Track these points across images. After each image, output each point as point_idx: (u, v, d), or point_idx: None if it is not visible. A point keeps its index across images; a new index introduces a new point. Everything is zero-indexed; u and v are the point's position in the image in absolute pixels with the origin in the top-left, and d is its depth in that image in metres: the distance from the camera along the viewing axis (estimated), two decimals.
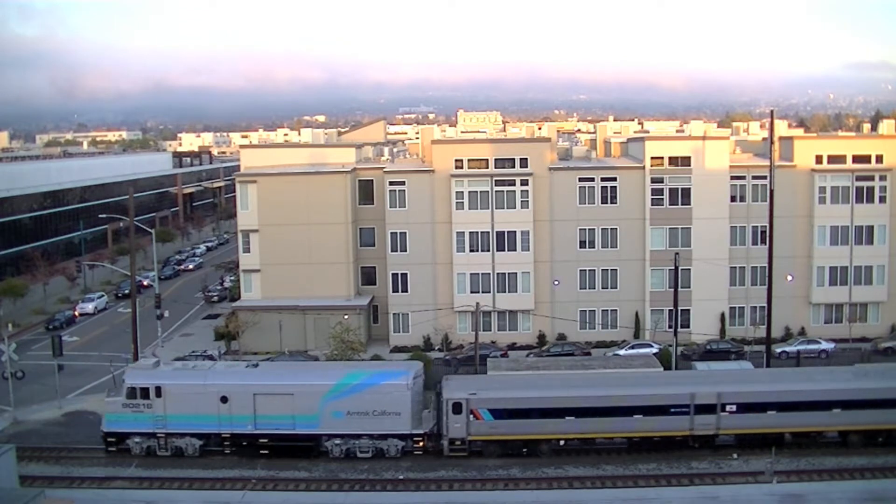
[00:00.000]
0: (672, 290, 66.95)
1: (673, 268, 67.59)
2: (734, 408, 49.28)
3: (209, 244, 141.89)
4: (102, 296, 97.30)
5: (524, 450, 50.08)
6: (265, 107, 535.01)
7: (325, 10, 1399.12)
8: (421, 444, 50.02)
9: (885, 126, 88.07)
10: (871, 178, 74.55)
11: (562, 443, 50.42)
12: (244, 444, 50.27)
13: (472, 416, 49.30)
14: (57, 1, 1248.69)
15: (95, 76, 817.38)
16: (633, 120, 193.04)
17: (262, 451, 50.08)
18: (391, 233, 74.96)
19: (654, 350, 67.77)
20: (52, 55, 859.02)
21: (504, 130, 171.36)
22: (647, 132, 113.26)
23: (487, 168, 74.50)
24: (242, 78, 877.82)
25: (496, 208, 73.89)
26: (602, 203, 74.76)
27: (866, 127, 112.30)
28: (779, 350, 68.99)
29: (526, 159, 74.52)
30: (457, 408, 49.30)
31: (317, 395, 49.65)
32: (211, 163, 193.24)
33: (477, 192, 73.91)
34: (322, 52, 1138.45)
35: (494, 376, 54.94)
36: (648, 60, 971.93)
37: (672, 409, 49.33)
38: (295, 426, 49.86)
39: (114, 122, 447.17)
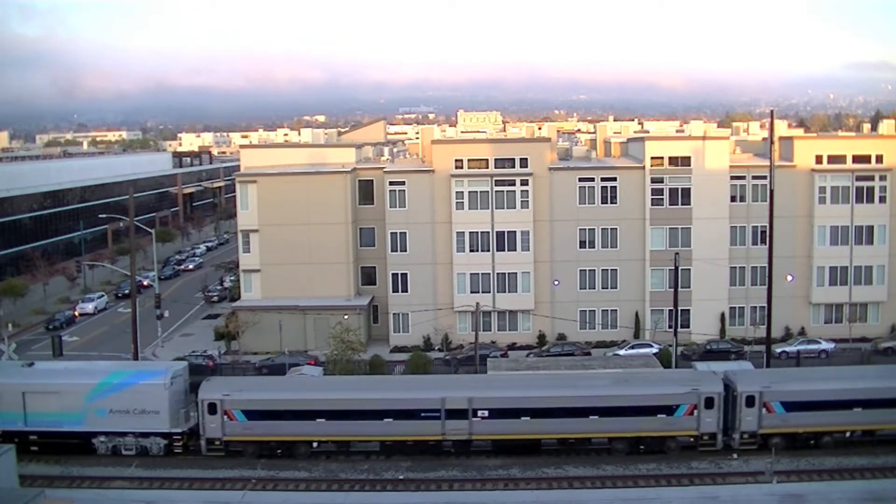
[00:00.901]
0: (672, 290, 66.98)
1: (673, 268, 67.61)
2: (486, 413, 49.45)
3: (209, 244, 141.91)
4: (102, 296, 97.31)
5: (278, 451, 50.54)
6: (265, 107, 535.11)
7: (326, 10, 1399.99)
8: (181, 442, 50.61)
9: (885, 126, 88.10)
10: (871, 178, 74.56)
11: (315, 445, 50.73)
12: (15, 440, 49.29)
13: (226, 416, 49.80)
14: (58, 1, 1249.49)
15: (96, 76, 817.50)
16: (633, 120, 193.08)
17: (31, 448, 50.41)
18: (391, 233, 74.97)
19: (654, 350, 67.80)
20: (52, 55, 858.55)
21: (504, 130, 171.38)
22: (647, 132, 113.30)
23: (487, 168, 74.51)
24: (243, 78, 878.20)
25: (496, 208, 73.90)
26: (602, 203, 74.77)
27: (866, 127, 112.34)
28: (779, 350, 69.00)
29: (526, 159, 74.54)
30: (212, 408, 49.80)
31: (80, 394, 50.53)
32: (211, 163, 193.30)
33: (477, 192, 73.92)
34: (322, 53, 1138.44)
35: (252, 379, 55.59)
36: (648, 60, 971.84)
37: (422, 414, 49.55)
38: (62, 424, 50.51)
39: (114, 122, 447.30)
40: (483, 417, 49.40)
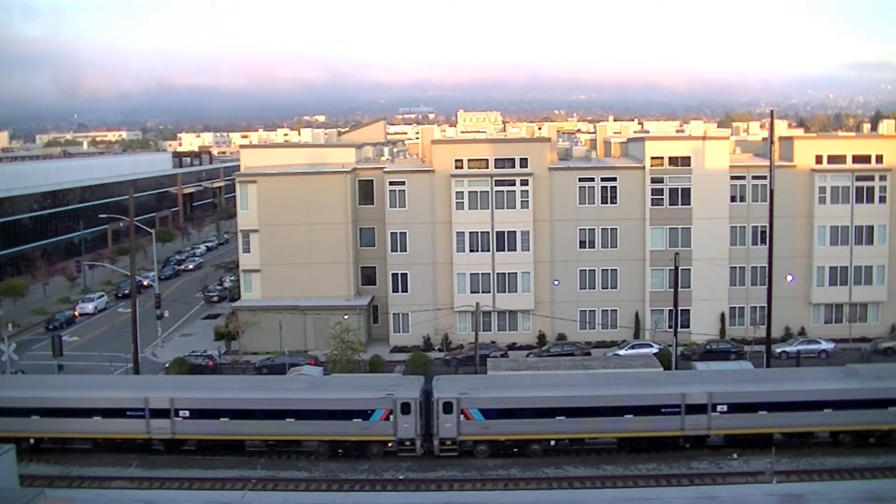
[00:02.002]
0: (672, 290, 66.97)
1: (673, 268, 67.60)
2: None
3: (209, 244, 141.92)
4: (102, 296, 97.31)
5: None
6: (266, 107, 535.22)
7: (327, 10, 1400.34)
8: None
9: (885, 126, 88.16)
10: (871, 178, 74.55)
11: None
12: None
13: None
14: (60, 1, 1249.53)
15: (97, 76, 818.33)
16: (633, 120, 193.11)
17: None
18: (391, 233, 74.97)
19: (654, 350, 67.79)
20: (54, 55, 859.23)
21: (504, 130, 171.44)
22: (647, 132, 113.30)
23: (487, 168, 74.50)
24: (244, 78, 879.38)
25: (496, 208, 73.90)
26: (602, 203, 74.76)
27: (866, 127, 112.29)
28: (779, 350, 68.99)
29: (526, 159, 74.53)
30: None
31: None
32: (211, 163, 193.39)
33: (477, 192, 73.91)
34: (323, 52, 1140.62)
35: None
36: (649, 60, 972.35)
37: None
38: None
39: (114, 122, 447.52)
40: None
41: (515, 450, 49.87)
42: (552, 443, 50.26)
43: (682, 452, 49.86)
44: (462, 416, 49.33)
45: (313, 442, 50.71)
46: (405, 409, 49.38)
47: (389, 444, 49.84)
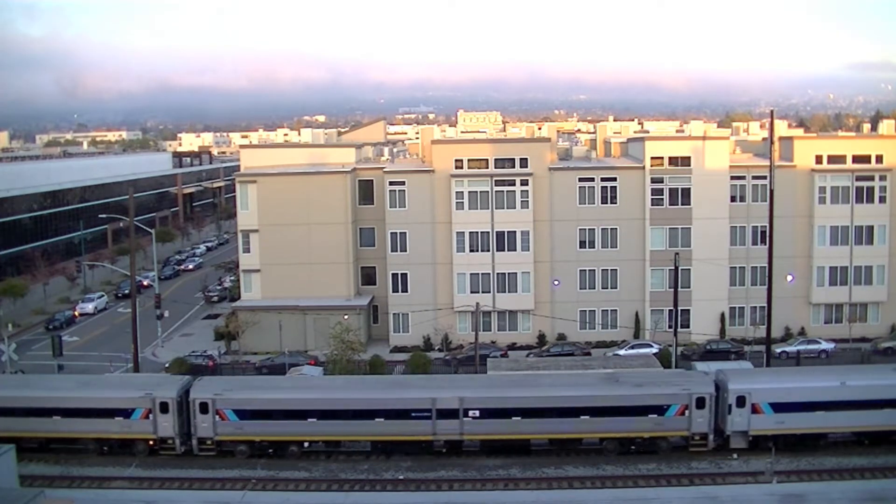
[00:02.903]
0: (672, 290, 66.97)
1: (673, 268, 67.60)
2: None
3: (209, 244, 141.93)
4: (102, 296, 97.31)
5: None
6: (266, 107, 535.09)
7: (329, 10, 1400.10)
8: None
9: (885, 126, 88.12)
10: (871, 178, 74.55)
11: None
12: None
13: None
14: (62, 1, 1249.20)
15: (98, 76, 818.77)
16: (633, 120, 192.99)
17: None
18: (391, 233, 74.96)
19: (654, 350, 67.78)
20: (56, 55, 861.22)
21: (504, 130, 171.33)
22: (647, 132, 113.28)
23: (487, 168, 74.50)
24: (245, 78, 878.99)
25: (496, 208, 73.89)
26: (602, 203, 74.75)
27: (866, 127, 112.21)
28: (779, 350, 69.00)
29: (526, 159, 74.53)
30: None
31: None
32: (211, 163, 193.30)
33: (477, 192, 73.91)
34: (325, 53, 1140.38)
35: None
36: (649, 60, 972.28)
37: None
38: None
39: (114, 122, 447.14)
40: None
41: (271, 451, 50.36)
42: (306, 444, 50.62)
43: (682, 452, 49.88)
44: (217, 417, 49.82)
45: (87, 440, 51.24)
46: (163, 408, 50.04)
47: (151, 443, 50.51)
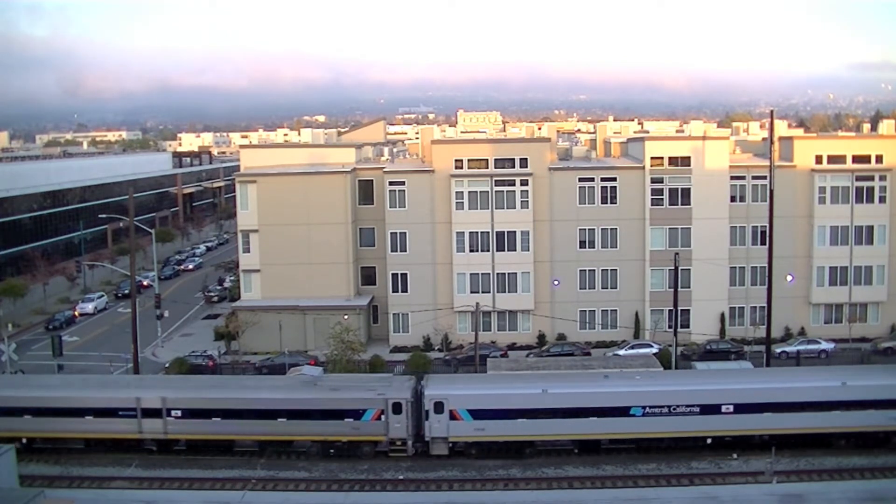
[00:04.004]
0: (672, 290, 66.96)
1: (673, 268, 67.59)
2: None
3: (209, 244, 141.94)
4: (102, 296, 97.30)
5: None
6: (266, 107, 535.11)
7: (329, 10, 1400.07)
8: None
9: (885, 126, 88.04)
10: (871, 178, 74.55)
11: None
12: None
13: None
14: (64, 2, 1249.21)
15: (100, 76, 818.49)
16: (632, 120, 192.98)
17: None
18: (391, 233, 74.96)
19: (654, 350, 67.78)
20: (57, 55, 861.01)
21: (504, 130, 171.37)
22: (647, 132, 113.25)
23: (487, 168, 74.49)
24: (246, 78, 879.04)
25: (496, 208, 73.89)
26: (602, 203, 74.75)
27: (866, 127, 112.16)
28: (779, 350, 69.00)
29: (526, 159, 74.52)
30: None
31: None
32: (211, 163, 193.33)
33: (477, 192, 73.90)
34: (326, 53, 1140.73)
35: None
36: (649, 60, 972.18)
37: None
38: None
39: (114, 122, 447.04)
40: None
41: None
42: (23, 440, 50.67)
43: (682, 452, 49.87)
44: None
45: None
46: None
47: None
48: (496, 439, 49.71)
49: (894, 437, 49.82)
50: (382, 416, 49.34)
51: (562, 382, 51.56)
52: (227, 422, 50.24)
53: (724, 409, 48.96)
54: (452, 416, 49.25)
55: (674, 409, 48.97)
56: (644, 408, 48.88)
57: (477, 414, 49.26)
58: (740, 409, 48.92)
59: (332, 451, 50.26)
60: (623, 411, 48.93)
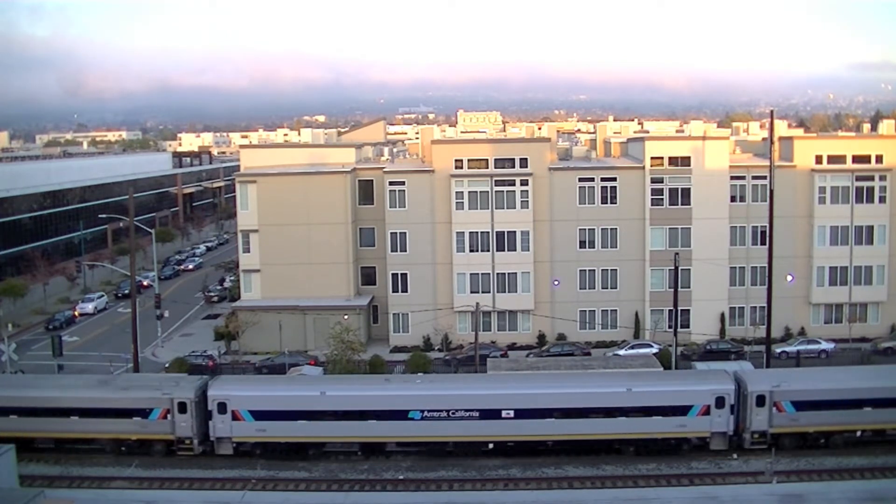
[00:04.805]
0: (672, 290, 66.94)
1: (673, 268, 67.58)
2: None
3: (209, 244, 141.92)
4: (102, 296, 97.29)
5: None
6: (266, 107, 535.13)
7: (330, 10, 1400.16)
8: None
9: (885, 126, 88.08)
10: (871, 178, 74.54)
11: None
12: None
13: None
14: (65, 2, 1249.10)
15: (100, 76, 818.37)
16: (632, 120, 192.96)
17: None
18: (391, 233, 74.96)
19: (654, 350, 67.78)
20: (58, 55, 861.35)
21: (504, 130, 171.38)
22: (647, 132, 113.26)
23: (487, 168, 74.50)
24: (247, 78, 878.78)
25: (496, 208, 73.89)
26: (602, 203, 74.74)
27: (866, 127, 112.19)
28: (779, 350, 68.98)
29: (526, 159, 74.52)
30: None
31: None
32: (211, 163, 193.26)
33: (477, 192, 73.91)
34: (326, 53, 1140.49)
35: None
36: (649, 60, 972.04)
37: None
38: None
39: (114, 122, 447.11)
40: None
41: None
42: None
43: (682, 452, 49.87)
44: None
45: None
46: None
47: None
48: (278, 440, 50.06)
49: (685, 444, 49.64)
50: (168, 416, 49.99)
51: (341, 385, 52.82)
52: (24, 420, 50.71)
53: (504, 414, 48.96)
54: (235, 417, 49.85)
55: (453, 413, 48.99)
56: (422, 411, 48.99)
57: (258, 415, 49.78)
58: (521, 414, 48.87)
59: (123, 448, 50.92)
60: (402, 414, 49.20)
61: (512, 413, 48.87)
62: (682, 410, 48.93)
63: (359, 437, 50.01)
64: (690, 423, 48.99)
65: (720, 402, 48.90)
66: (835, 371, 57.35)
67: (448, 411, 48.92)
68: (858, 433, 50.08)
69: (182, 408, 49.90)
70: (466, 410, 48.91)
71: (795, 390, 49.57)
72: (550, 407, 49.03)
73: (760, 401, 49.06)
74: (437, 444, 49.86)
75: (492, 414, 48.98)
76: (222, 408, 49.76)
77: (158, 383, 52.58)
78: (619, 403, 49.01)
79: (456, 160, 74.62)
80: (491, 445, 49.63)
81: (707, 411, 48.87)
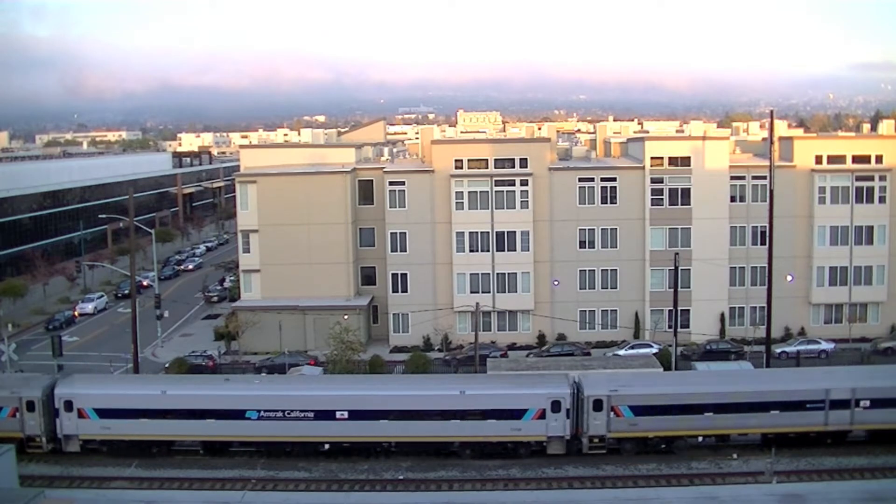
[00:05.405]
0: (672, 290, 66.96)
1: (673, 268, 67.59)
2: None
3: (209, 244, 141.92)
4: (102, 296, 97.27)
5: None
6: (267, 107, 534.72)
7: (330, 10, 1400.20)
8: None
9: (884, 126, 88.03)
10: (871, 178, 74.55)
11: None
12: None
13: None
14: (67, 2, 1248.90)
15: (101, 76, 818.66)
16: (632, 120, 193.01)
17: None
18: (391, 233, 74.96)
19: (654, 350, 67.77)
20: (60, 55, 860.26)
21: (504, 130, 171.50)
22: (647, 132, 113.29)
23: (487, 168, 74.50)
24: (247, 77, 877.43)
25: (496, 208, 73.89)
26: (602, 203, 74.75)
27: (866, 127, 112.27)
28: (778, 350, 68.97)
29: (526, 159, 74.53)
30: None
31: None
32: (211, 163, 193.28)
33: (477, 192, 73.91)
34: (327, 53, 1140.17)
35: None
36: (650, 60, 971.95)
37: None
38: None
39: (113, 122, 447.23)
40: None
41: None
42: None
43: (682, 452, 49.86)
44: None
45: None
46: None
47: None
48: (122, 438, 50.36)
49: (522, 448, 49.47)
50: (18, 414, 50.28)
51: (181, 385, 53.47)
52: None
53: (338, 415, 49.22)
54: (81, 415, 50.17)
55: (289, 413, 49.27)
56: (259, 411, 49.35)
57: (102, 413, 50.13)
58: (356, 415, 49.14)
59: None
60: (239, 414, 49.58)
61: (346, 414, 49.22)
62: (517, 414, 48.84)
63: (200, 436, 50.65)
64: (526, 426, 48.81)
65: (556, 406, 48.59)
66: (676, 376, 57.02)
67: (284, 412, 49.35)
68: (700, 438, 49.99)
69: (30, 406, 50.38)
70: (302, 411, 49.30)
71: (633, 395, 49.33)
72: (384, 409, 49.42)
73: (598, 405, 48.75)
74: (275, 445, 50.25)
75: (326, 415, 49.35)
76: (69, 406, 50.24)
77: (8, 382, 53.08)
78: (453, 406, 49.22)
79: (456, 160, 74.62)
80: (327, 446, 49.99)
81: (542, 415, 48.63)
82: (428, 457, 49.81)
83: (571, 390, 49.29)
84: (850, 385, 49.47)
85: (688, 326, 73.37)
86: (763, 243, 68.60)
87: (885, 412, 48.93)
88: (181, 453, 51.08)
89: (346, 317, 71.09)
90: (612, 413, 48.76)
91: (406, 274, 75.24)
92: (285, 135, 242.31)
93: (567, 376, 51.24)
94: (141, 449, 50.59)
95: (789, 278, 73.80)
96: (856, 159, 74.77)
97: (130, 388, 52.99)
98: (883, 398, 49.04)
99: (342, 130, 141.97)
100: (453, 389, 50.03)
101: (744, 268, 74.96)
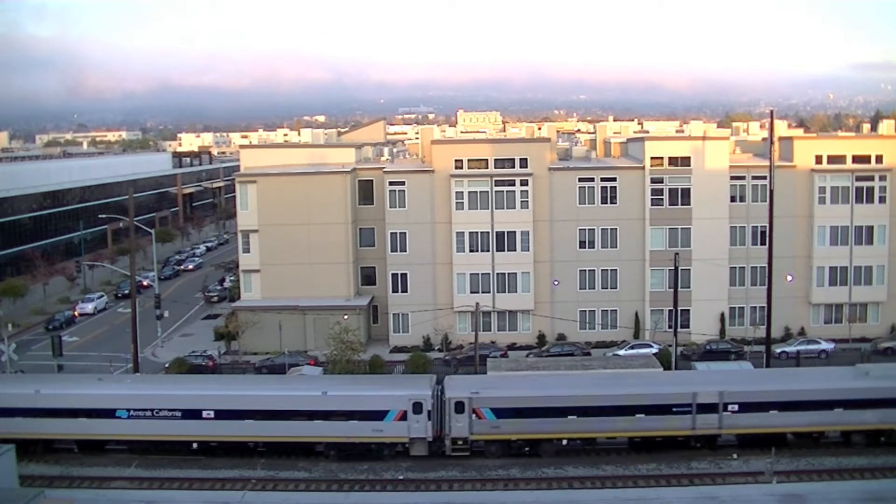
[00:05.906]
0: (672, 290, 66.97)
1: (673, 268, 67.59)
2: None
3: (209, 244, 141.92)
4: (102, 296, 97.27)
5: None
6: (266, 107, 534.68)
7: (330, 10, 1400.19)
8: None
9: (884, 126, 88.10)
10: (871, 178, 74.56)
11: None
12: None
13: None
14: (67, 2, 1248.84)
15: (101, 76, 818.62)
16: (632, 120, 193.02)
17: None
18: (391, 233, 74.97)
19: (654, 350, 67.77)
20: (61, 56, 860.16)
21: (504, 130, 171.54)
22: (647, 132, 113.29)
23: (487, 168, 74.50)
24: (248, 77, 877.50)
25: (496, 208, 73.89)
26: (602, 203, 74.77)
27: (866, 127, 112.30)
28: (778, 350, 68.98)
29: (526, 159, 74.54)
30: None
31: None
32: (211, 163, 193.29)
33: (477, 192, 73.92)
34: (327, 52, 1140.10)
35: None
36: (650, 60, 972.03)
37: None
38: None
39: (113, 122, 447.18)
40: None
41: None
42: None
43: (682, 452, 49.86)
44: None
45: None
46: None
47: None
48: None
49: (385, 449, 49.54)
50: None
51: (55, 384, 53.53)
52: None
53: (205, 414, 49.56)
54: None
55: (157, 412, 49.67)
56: (129, 410, 49.80)
57: None
58: (222, 415, 49.49)
59: None
60: (110, 413, 49.98)
61: (212, 413, 49.54)
62: (378, 415, 49.00)
63: (73, 435, 50.84)
64: (387, 427, 48.95)
65: (417, 407, 48.63)
66: (541, 378, 55.82)
67: (153, 410, 49.75)
68: (564, 442, 49.93)
69: None
70: (170, 410, 49.69)
71: (495, 397, 49.35)
72: (249, 408, 49.72)
73: (459, 407, 48.74)
74: (145, 443, 50.44)
75: (193, 414, 49.67)
76: None
77: None
78: (315, 407, 49.47)
79: (456, 160, 74.63)
80: (195, 445, 50.25)
81: (404, 417, 48.74)
82: (296, 458, 50.16)
83: (433, 392, 49.61)
84: (717, 389, 49.32)
85: (688, 326, 73.38)
86: (763, 243, 68.61)
87: (753, 416, 48.92)
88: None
89: (346, 317, 71.09)
90: (473, 415, 48.85)
91: (406, 274, 75.24)
92: (285, 135, 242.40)
93: (431, 378, 52.01)
94: (22, 448, 49.62)
95: (789, 278, 73.80)
96: (856, 159, 74.79)
97: (6, 388, 52.66)
98: (751, 402, 48.99)
99: (342, 130, 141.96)
100: (315, 390, 50.51)
101: (744, 268, 74.97)
